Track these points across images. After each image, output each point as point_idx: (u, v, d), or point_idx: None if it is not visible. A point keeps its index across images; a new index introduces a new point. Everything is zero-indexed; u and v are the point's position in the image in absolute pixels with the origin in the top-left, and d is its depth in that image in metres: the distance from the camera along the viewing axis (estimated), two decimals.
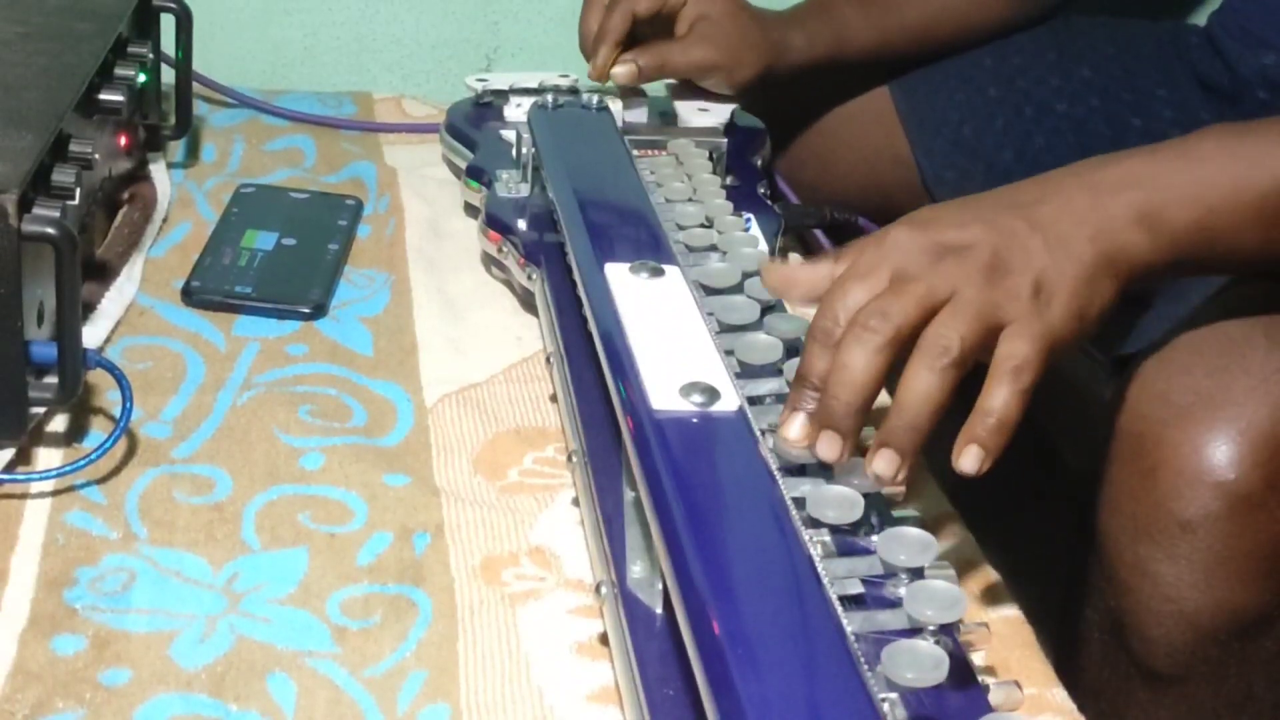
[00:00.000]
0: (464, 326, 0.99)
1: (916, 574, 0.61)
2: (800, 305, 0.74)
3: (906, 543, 0.60)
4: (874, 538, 0.64)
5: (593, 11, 1.13)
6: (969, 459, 0.65)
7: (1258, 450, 0.80)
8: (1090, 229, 0.71)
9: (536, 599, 0.74)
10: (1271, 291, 0.84)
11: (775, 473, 0.63)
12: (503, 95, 1.17)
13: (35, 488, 0.79)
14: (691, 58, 1.11)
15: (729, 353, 0.73)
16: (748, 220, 0.99)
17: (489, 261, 1.04)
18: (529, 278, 0.96)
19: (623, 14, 1.10)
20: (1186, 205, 0.73)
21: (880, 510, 0.66)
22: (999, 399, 0.65)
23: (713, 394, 0.67)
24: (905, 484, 0.65)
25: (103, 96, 0.94)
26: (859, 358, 0.65)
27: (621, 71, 1.10)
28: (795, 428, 0.67)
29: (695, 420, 0.66)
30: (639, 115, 1.13)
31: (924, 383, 0.65)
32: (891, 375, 0.67)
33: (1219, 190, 0.74)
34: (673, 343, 0.72)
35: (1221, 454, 0.80)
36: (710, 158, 1.05)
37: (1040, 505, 1.28)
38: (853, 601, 0.60)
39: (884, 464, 0.65)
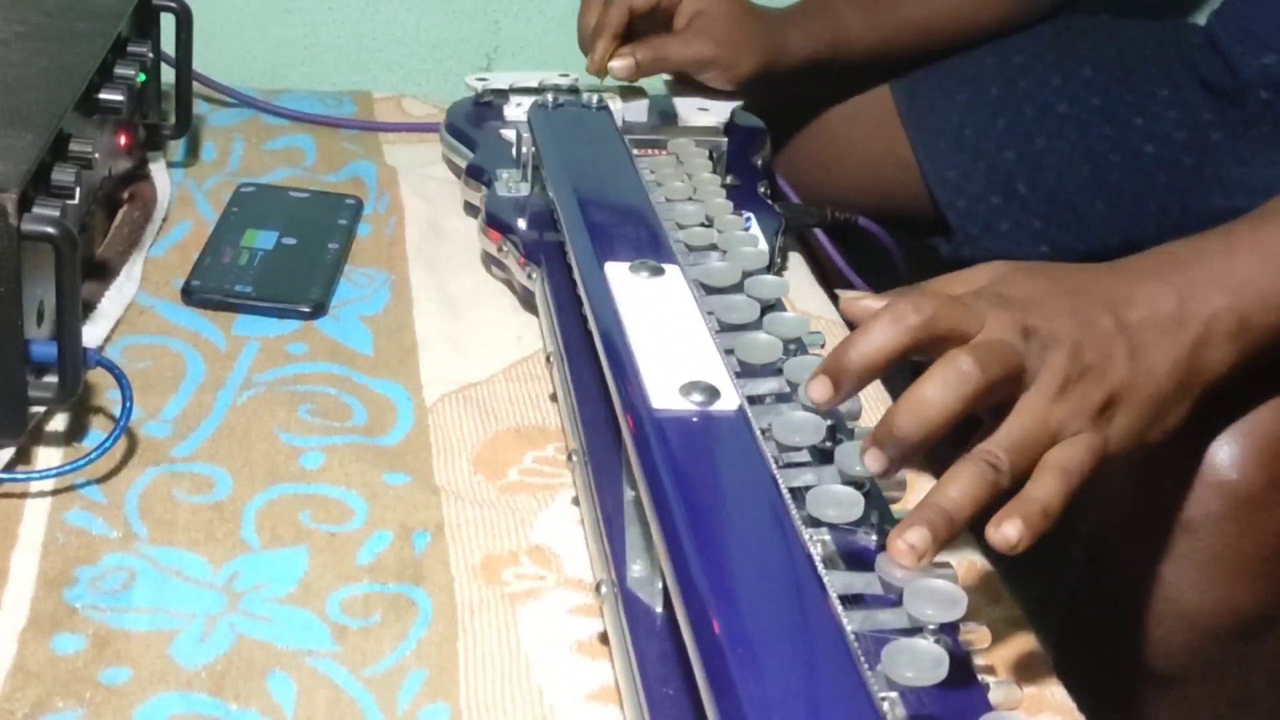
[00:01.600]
0: (464, 326, 0.99)
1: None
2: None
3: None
4: (874, 537, 0.64)
5: (591, 6, 1.13)
6: (1011, 528, 0.63)
7: (1259, 451, 0.80)
8: (1176, 349, 0.69)
9: (536, 598, 0.74)
10: None
11: (775, 472, 0.63)
12: (503, 94, 1.17)
13: (35, 487, 0.79)
14: (689, 52, 1.11)
15: (729, 352, 0.73)
16: (748, 220, 0.99)
17: (489, 261, 1.04)
18: (529, 277, 0.96)
19: (620, 8, 1.10)
20: (1271, 309, 0.72)
21: (881, 509, 0.66)
22: (1046, 489, 0.64)
23: (713, 393, 0.67)
24: (927, 561, 0.62)
25: (103, 96, 0.94)
26: (935, 392, 0.63)
27: (619, 65, 1.10)
28: (821, 388, 0.65)
29: (695, 419, 0.66)
30: (639, 114, 1.13)
31: (967, 486, 0.63)
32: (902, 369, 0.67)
33: None
34: (673, 342, 0.72)
35: (1223, 454, 0.80)
36: (710, 157, 1.05)
37: None
38: (853, 601, 0.60)
39: (916, 536, 0.61)
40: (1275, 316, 0.72)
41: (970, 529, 0.81)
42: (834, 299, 1.06)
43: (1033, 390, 0.65)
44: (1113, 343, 0.68)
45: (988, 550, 0.80)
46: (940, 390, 0.62)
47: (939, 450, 0.66)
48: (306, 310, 0.97)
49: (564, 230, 0.89)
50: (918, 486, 0.83)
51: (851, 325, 0.71)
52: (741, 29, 1.12)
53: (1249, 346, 0.71)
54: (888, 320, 0.64)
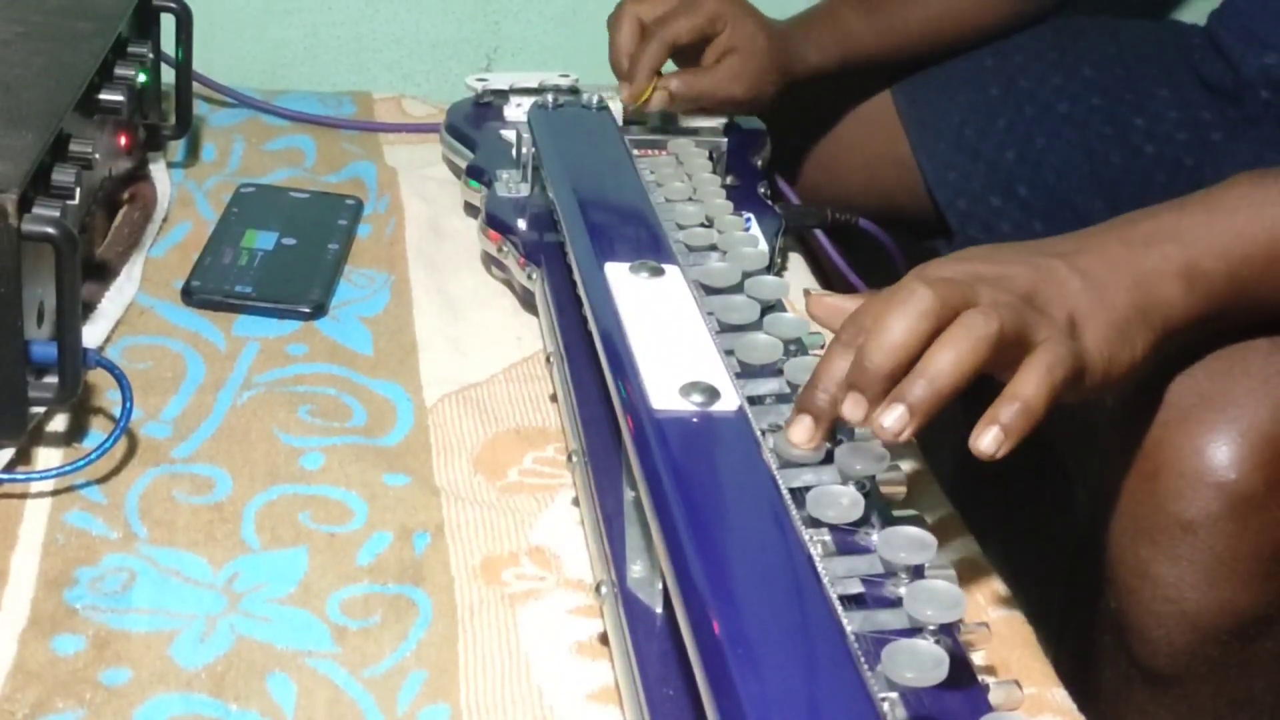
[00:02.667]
0: (464, 326, 0.98)
1: (916, 573, 0.61)
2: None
3: (906, 542, 0.60)
4: (874, 536, 0.64)
5: (625, 29, 1.11)
6: (988, 439, 0.64)
7: (1259, 451, 0.80)
8: (1127, 280, 0.72)
9: (536, 599, 0.74)
10: None
11: (775, 472, 0.63)
12: (503, 95, 1.17)
13: (35, 487, 0.79)
14: (725, 95, 1.11)
15: (729, 352, 0.73)
16: (748, 220, 0.99)
17: (489, 261, 1.04)
18: (529, 277, 0.96)
19: (663, 45, 1.09)
20: (1220, 257, 0.74)
21: (881, 510, 0.66)
22: (1027, 386, 0.65)
23: (713, 394, 0.67)
24: (908, 439, 0.64)
25: (103, 96, 0.94)
26: (899, 321, 0.65)
27: (657, 101, 1.10)
28: (802, 431, 0.66)
29: (695, 420, 0.66)
30: (640, 115, 1.13)
31: (953, 349, 0.64)
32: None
33: (1251, 240, 0.74)
34: (673, 342, 0.72)
35: (1223, 455, 0.80)
36: (710, 157, 1.05)
37: (1040, 505, 1.28)
38: (853, 601, 0.60)
39: (893, 418, 0.64)
40: (1225, 264, 0.73)
41: (970, 531, 0.82)
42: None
43: (1001, 300, 0.67)
44: (1066, 278, 0.70)
45: (988, 551, 0.80)
46: (957, 342, 0.64)
47: (939, 448, 0.66)
48: (306, 311, 0.97)
49: (564, 231, 0.89)
50: (919, 486, 0.83)
51: (821, 323, 0.74)
52: (770, 64, 1.12)
53: (1203, 290, 0.73)
54: (957, 337, 0.64)
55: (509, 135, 1.09)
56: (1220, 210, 0.75)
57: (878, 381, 0.65)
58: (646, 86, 1.08)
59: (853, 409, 0.65)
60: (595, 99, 1.09)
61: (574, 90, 1.13)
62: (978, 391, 0.67)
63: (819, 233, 1.15)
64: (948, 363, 0.64)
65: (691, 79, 1.11)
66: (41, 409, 0.81)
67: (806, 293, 0.75)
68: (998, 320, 0.65)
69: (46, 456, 0.82)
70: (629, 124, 1.10)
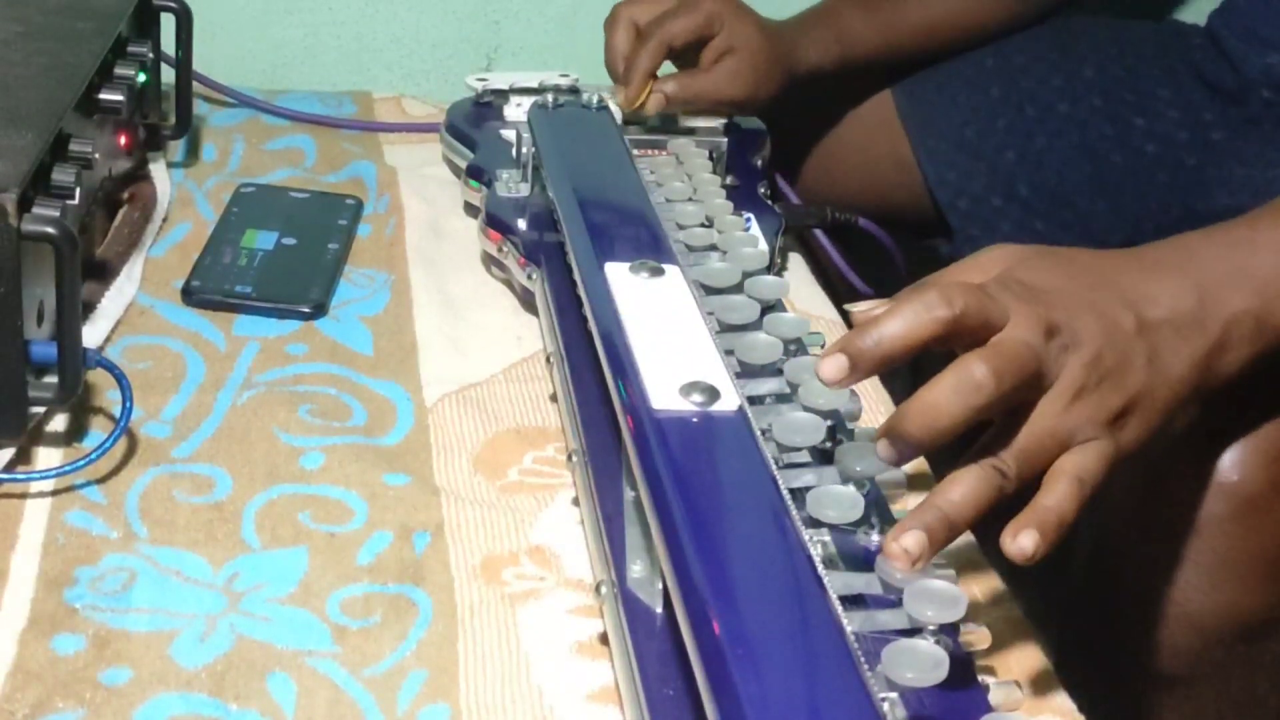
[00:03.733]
0: (464, 326, 0.98)
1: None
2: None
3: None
4: (874, 536, 0.64)
5: (620, 33, 1.11)
6: (1027, 539, 0.62)
7: (1263, 453, 0.80)
8: (1196, 349, 0.68)
9: (536, 599, 0.74)
10: None
11: (775, 472, 0.63)
12: (503, 95, 1.17)
13: (35, 487, 0.79)
14: (722, 95, 1.11)
15: (729, 352, 0.73)
16: (748, 220, 0.99)
17: (489, 261, 1.04)
18: (529, 277, 0.96)
19: (659, 46, 1.09)
20: None
21: (881, 510, 0.66)
22: (1060, 497, 0.63)
23: (713, 394, 0.67)
24: (920, 566, 0.61)
25: (103, 96, 0.94)
26: (951, 403, 0.61)
27: (654, 104, 1.09)
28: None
29: (695, 420, 0.66)
30: (639, 115, 1.13)
31: (971, 489, 0.62)
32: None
33: None
34: (673, 342, 0.72)
35: (1227, 457, 0.80)
36: (710, 157, 1.05)
37: None
38: (853, 601, 0.59)
39: (913, 542, 0.60)
40: None
41: (973, 532, 0.82)
42: (835, 299, 1.06)
43: (1049, 395, 0.64)
44: (1132, 346, 0.66)
45: (988, 551, 0.80)
46: (952, 397, 0.60)
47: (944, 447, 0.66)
48: (306, 310, 0.97)
49: (564, 230, 0.88)
50: (920, 486, 0.83)
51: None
52: (768, 65, 1.12)
53: (1266, 348, 0.70)
54: (917, 308, 0.61)
55: (509, 135, 1.09)
56: None
57: (912, 449, 0.62)
58: (643, 89, 1.08)
59: (884, 452, 0.62)
60: (595, 99, 1.09)
61: (574, 90, 1.13)
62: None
63: (819, 232, 1.15)
64: (960, 499, 0.62)
65: (688, 81, 1.10)
66: (41, 409, 0.81)
67: (847, 307, 0.69)
68: (1015, 464, 0.63)
69: (46, 456, 0.82)
70: (629, 124, 1.10)
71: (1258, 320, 0.69)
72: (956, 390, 0.60)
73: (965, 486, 0.62)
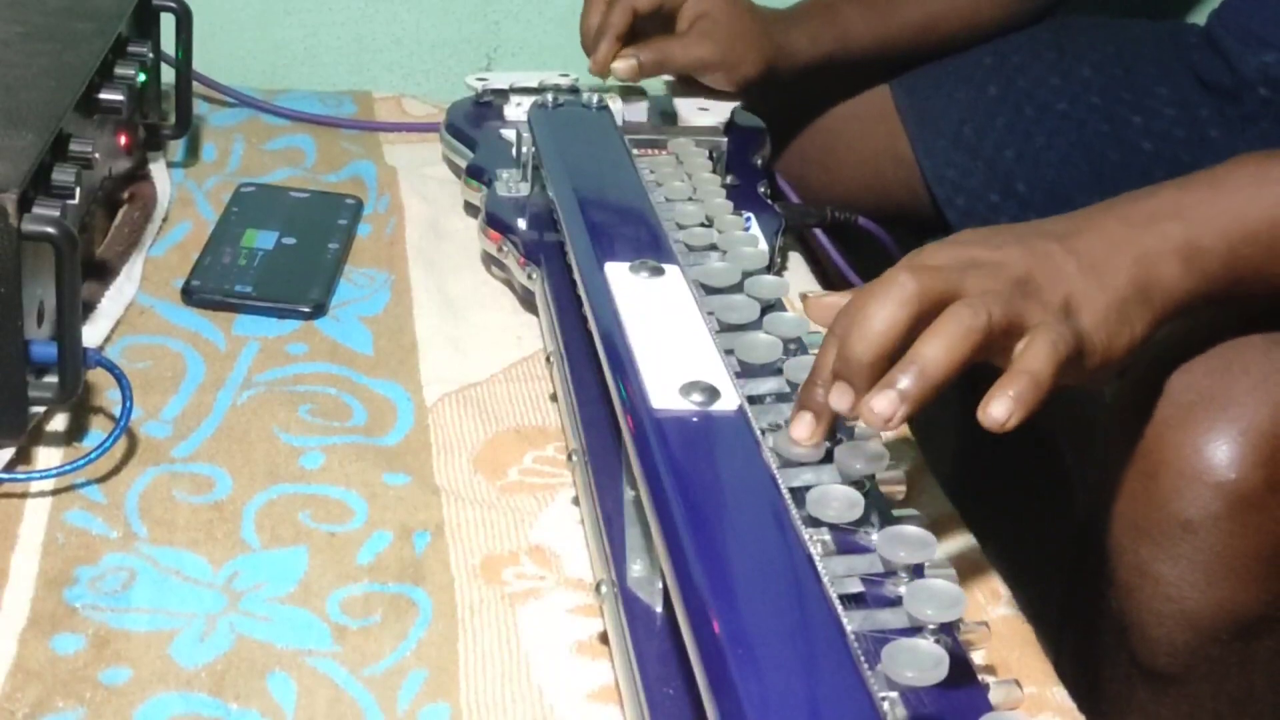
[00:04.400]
0: (464, 326, 0.99)
1: (916, 572, 0.61)
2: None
3: (906, 541, 0.60)
4: (874, 536, 0.64)
5: (594, 7, 1.13)
6: (999, 406, 0.63)
7: (1258, 450, 0.80)
8: (1126, 259, 0.71)
9: (536, 598, 0.74)
10: None
11: (775, 472, 0.63)
12: (503, 94, 1.17)
13: (35, 487, 0.79)
14: (692, 54, 1.11)
15: (729, 352, 0.73)
16: (748, 219, 0.99)
17: (489, 261, 1.04)
18: (529, 277, 0.96)
19: (624, 9, 1.10)
20: (1220, 237, 0.73)
21: (881, 509, 0.66)
22: (1034, 360, 0.64)
23: (713, 393, 0.67)
24: (898, 424, 0.63)
25: (103, 96, 0.94)
26: (880, 310, 0.65)
27: (622, 66, 1.10)
28: (803, 427, 0.66)
29: (695, 419, 0.66)
30: (639, 114, 1.13)
31: (943, 339, 0.64)
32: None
33: (1252, 220, 0.74)
34: (673, 342, 0.72)
35: (1222, 454, 0.80)
36: (710, 157, 1.05)
37: (1040, 505, 1.28)
38: (853, 600, 0.60)
39: (884, 403, 0.63)
40: (1225, 244, 0.73)
41: (970, 531, 0.82)
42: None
43: (993, 288, 0.66)
44: (1062, 260, 0.69)
45: (988, 551, 0.80)
46: (948, 332, 0.64)
47: (939, 448, 0.66)
48: (306, 310, 0.97)
49: (564, 230, 0.89)
50: (919, 486, 0.83)
51: (820, 324, 0.72)
52: (744, 31, 1.12)
53: (1202, 269, 0.72)
54: (952, 331, 0.64)
55: (509, 135, 1.09)
56: (1223, 190, 0.75)
57: (862, 370, 0.65)
58: (609, 53, 1.08)
59: (839, 398, 0.65)
60: (595, 99, 1.09)
61: (574, 90, 1.13)
62: (974, 382, 0.66)
63: (819, 231, 1.15)
64: (938, 350, 0.64)
65: (659, 44, 1.11)
66: (41, 409, 0.81)
67: (804, 296, 0.75)
68: (985, 312, 0.64)
69: (46, 456, 0.82)
70: (629, 124, 1.10)
71: (1187, 239, 0.72)
72: (887, 298, 0.65)
73: (937, 340, 0.64)
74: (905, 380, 0.63)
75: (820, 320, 0.73)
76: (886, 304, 0.65)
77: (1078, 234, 0.72)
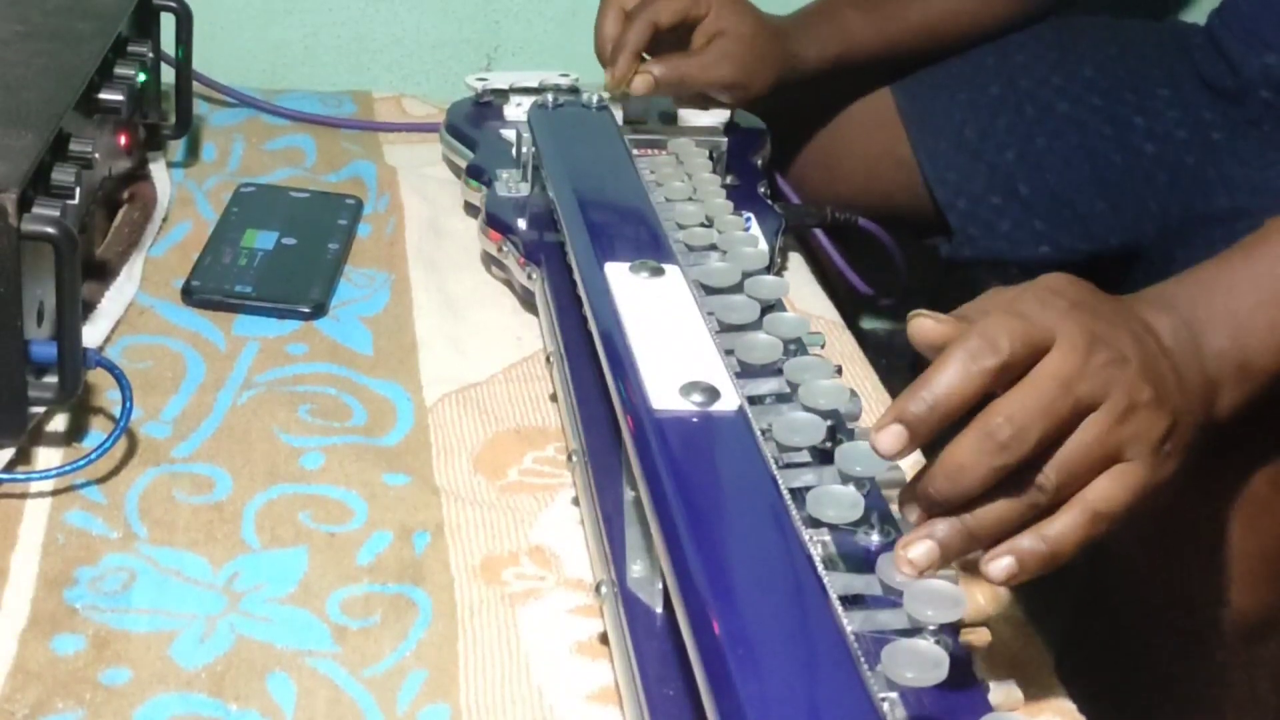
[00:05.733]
0: (464, 326, 0.98)
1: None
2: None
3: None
4: (874, 536, 0.64)
5: (610, 17, 1.11)
6: (998, 569, 0.60)
7: (1264, 454, 0.80)
8: (1200, 376, 0.67)
9: (536, 598, 0.74)
10: None
11: (775, 472, 0.63)
12: (503, 95, 1.17)
13: (35, 487, 0.79)
14: (710, 77, 1.10)
15: (729, 352, 0.73)
16: (748, 220, 0.99)
17: (489, 261, 1.04)
18: (529, 277, 0.96)
19: (644, 25, 1.08)
20: (1273, 355, 0.70)
21: (881, 510, 0.66)
22: (1063, 530, 0.61)
23: (713, 394, 0.67)
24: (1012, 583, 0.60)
25: (103, 96, 0.94)
26: (974, 463, 0.59)
27: (639, 83, 1.08)
28: (922, 551, 0.60)
29: (695, 420, 0.66)
30: (639, 114, 1.13)
31: (1002, 507, 0.60)
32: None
33: None
34: (673, 342, 0.72)
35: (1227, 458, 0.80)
36: (710, 157, 1.05)
37: None
38: (853, 601, 0.59)
39: (921, 554, 0.59)
40: (1275, 361, 0.70)
41: None
42: (834, 299, 1.06)
43: (1102, 410, 0.61)
44: (1164, 367, 0.65)
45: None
46: (978, 457, 0.59)
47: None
48: (306, 310, 0.97)
49: (564, 230, 0.89)
50: None
51: (922, 351, 0.65)
52: (759, 49, 1.11)
53: (1251, 391, 0.70)
54: (964, 359, 0.59)
55: (509, 135, 1.09)
56: (1270, 295, 0.70)
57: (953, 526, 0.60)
58: (628, 70, 1.08)
59: (922, 555, 0.59)
60: (595, 99, 1.09)
61: (574, 90, 1.13)
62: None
63: (819, 232, 1.15)
64: (997, 517, 0.60)
65: (676, 62, 1.09)
66: (41, 409, 0.81)
67: (912, 316, 0.66)
68: (1054, 483, 0.60)
69: (46, 456, 0.82)
70: (629, 124, 1.10)
71: (1240, 365, 0.69)
72: (981, 450, 0.59)
73: (995, 506, 0.60)
74: (951, 545, 0.60)
75: (929, 345, 0.64)
76: (977, 454, 0.59)
77: (1157, 331, 0.67)
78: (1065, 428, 0.61)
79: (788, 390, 0.71)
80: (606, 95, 1.10)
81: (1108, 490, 0.62)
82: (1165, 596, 0.83)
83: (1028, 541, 0.61)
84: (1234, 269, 0.71)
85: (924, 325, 0.62)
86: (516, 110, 1.14)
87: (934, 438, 0.60)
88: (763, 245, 0.88)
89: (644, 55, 1.09)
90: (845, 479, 0.65)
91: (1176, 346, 0.67)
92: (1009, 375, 0.60)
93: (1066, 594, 0.94)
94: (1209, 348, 0.68)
